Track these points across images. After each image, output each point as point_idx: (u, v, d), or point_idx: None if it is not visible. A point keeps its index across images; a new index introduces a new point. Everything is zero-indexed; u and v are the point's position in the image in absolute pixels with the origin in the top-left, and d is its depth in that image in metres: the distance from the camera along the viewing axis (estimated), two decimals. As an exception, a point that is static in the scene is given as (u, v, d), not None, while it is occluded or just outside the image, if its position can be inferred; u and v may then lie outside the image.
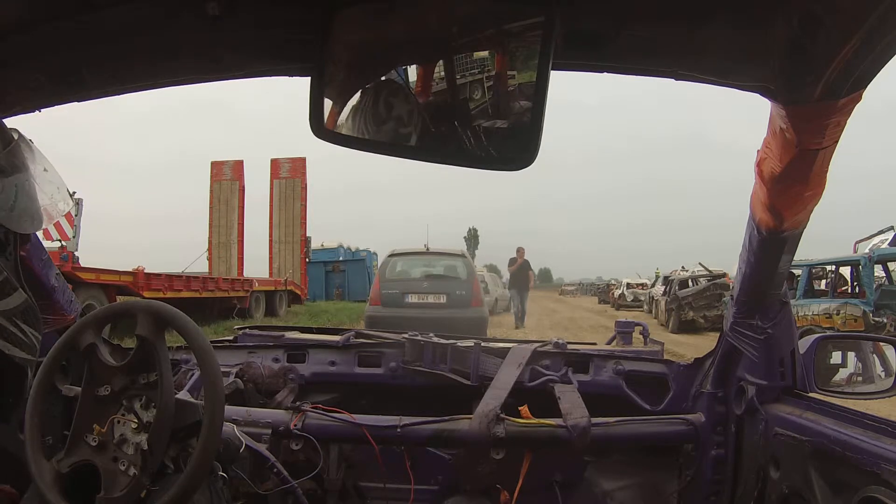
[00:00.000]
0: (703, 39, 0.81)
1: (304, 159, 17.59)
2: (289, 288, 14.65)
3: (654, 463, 1.70)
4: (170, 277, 10.37)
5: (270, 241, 17.23)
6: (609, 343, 2.16)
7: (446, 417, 1.53)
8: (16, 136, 1.09)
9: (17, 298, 1.07)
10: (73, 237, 9.20)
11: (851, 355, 1.60)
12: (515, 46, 0.75)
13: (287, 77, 0.92)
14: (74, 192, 8.54)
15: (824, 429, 1.17)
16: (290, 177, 17.24)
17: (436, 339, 1.82)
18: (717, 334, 1.59)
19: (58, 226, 8.43)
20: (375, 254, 21.19)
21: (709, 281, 13.31)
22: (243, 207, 17.04)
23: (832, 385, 1.46)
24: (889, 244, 9.92)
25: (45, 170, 1.16)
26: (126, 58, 0.91)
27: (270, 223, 17.34)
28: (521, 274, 12.22)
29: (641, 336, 2.14)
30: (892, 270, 8.82)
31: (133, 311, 1.17)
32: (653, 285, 20.95)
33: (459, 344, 1.82)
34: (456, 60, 0.77)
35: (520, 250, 12.19)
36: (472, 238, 67.49)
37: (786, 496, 1.28)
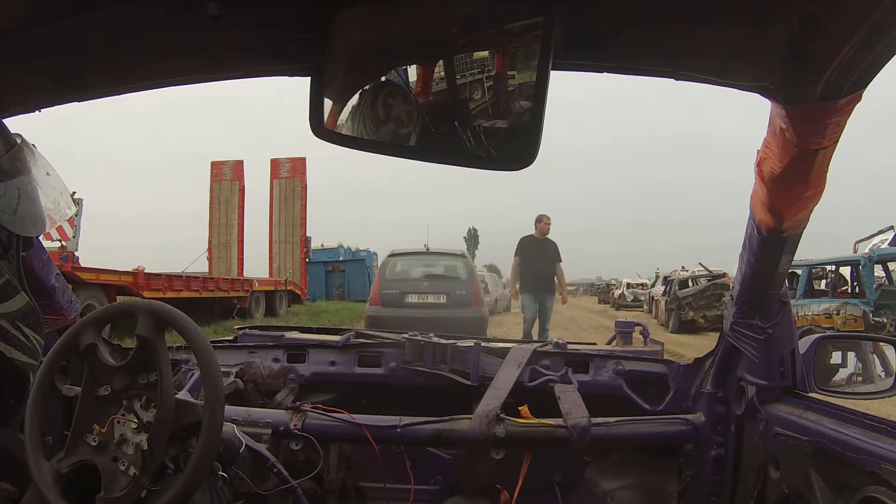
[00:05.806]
0: (703, 39, 0.81)
1: (304, 159, 17.61)
2: (289, 288, 14.65)
3: (654, 463, 1.70)
4: (170, 277, 10.37)
5: (270, 241, 17.24)
6: (609, 343, 2.16)
7: (446, 417, 1.54)
8: (19, 141, 1.09)
9: (19, 301, 1.07)
10: (73, 237, 9.20)
11: (851, 355, 1.59)
12: (515, 46, 0.75)
13: (287, 77, 0.92)
14: (74, 192, 8.55)
15: (824, 429, 1.17)
16: (290, 177, 17.25)
17: (436, 339, 1.82)
18: (717, 334, 1.59)
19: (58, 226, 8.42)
20: (375, 254, 21.16)
21: (709, 281, 13.31)
22: (243, 207, 17.05)
23: (832, 385, 1.46)
24: (889, 244, 9.94)
25: (47, 174, 1.16)
26: (126, 58, 0.90)
27: (270, 223, 17.35)
28: (543, 261, 6.61)
29: (641, 336, 2.14)
30: (892, 270, 8.83)
31: (133, 311, 1.17)
32: (653, 285, 20.96)
33: (459, 344, 1.82)
34: (456, 60, 0.77)
35: (543, 221, 6.77)
36: (472, 238, 67.32)
37: (786, 496, 1.28)
